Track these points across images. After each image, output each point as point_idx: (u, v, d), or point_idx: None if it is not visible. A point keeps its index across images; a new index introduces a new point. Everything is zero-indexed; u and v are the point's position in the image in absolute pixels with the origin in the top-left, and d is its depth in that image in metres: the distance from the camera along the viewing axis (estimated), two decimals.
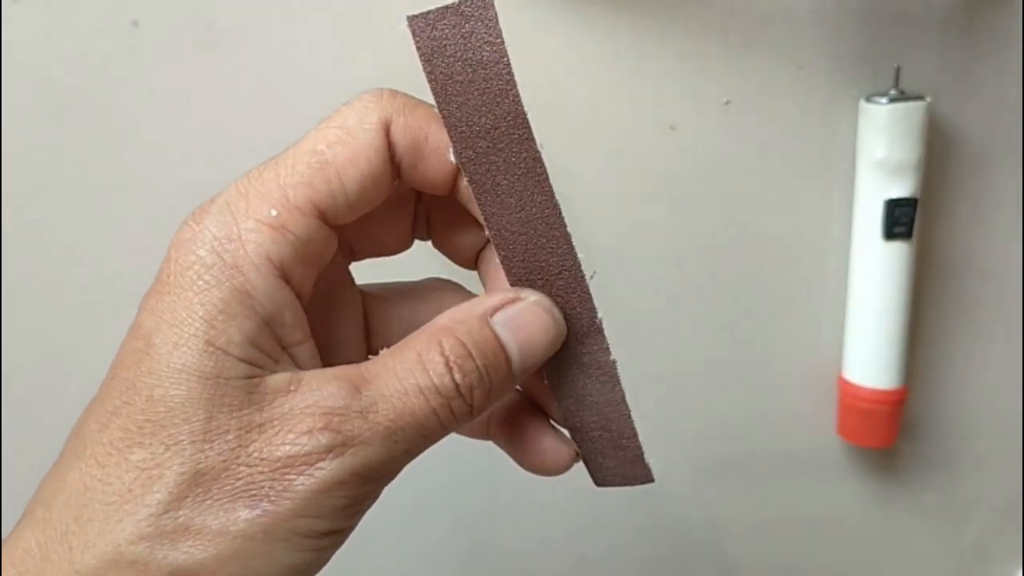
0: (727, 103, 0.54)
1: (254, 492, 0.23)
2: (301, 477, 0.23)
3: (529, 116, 0.25)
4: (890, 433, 0.59)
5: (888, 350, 0.57)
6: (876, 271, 0.55)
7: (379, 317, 0.30)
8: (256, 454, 0.23)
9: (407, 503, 0.58)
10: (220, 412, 0.23)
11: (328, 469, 0.23)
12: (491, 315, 0.26)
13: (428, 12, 0.24)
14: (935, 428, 0.63)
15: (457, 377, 0.24)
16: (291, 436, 0.23)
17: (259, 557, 0.23)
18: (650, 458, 0.29)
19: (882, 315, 0.56)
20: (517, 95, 0.25)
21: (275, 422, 0.23)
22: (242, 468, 0.23)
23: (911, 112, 0.53)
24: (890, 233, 0.54)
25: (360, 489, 0.24)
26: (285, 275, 0.25)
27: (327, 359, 0.27)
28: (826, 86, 0.54)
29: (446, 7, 0.24)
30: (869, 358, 0.57)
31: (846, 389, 0.58)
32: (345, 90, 0.49)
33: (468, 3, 0.24)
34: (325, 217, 0.25)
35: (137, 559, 0.22)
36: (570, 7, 0.50)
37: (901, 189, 0.54)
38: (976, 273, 0.60)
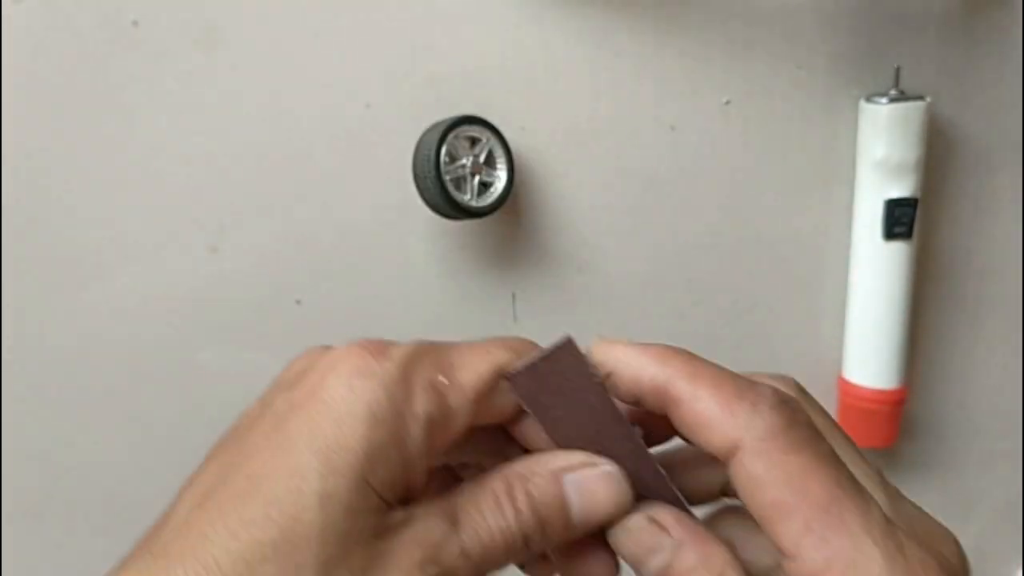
0: (727, 103, 0.54)
1: None
2: None
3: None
4: (890, 433, 0.59)
5: (888, 350, 0.57)
6: (876, 271, 0.56)
7: None
8: None
9: None
10: (354, 544, 0.25)
11: None
12: (565, 473, 0.28)
13: (524, 368, 0.27)
14: (935, 428, 0.63)
15: (521, 526, 0.27)
16: (404, 567, 0.26)
17: None
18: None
19: (882, 315, 0.56)
20: (613, 402, 0.28)
21: (390, 554, 0.26)
22: None
23: (911, 112, 0.52)
24: (890, 233, 0.54)
25: None
26: (434, 436, 0.26)
27: None
28: (826, 86, 0.54)
29: (536, 361, 0.27)
30: (869, 358, 0.57)
31: (846, 389, 0.58)
32: (346, 90, 0.49)
33: (555, 353, 0.27)
34: (478, 391, 0.27)
35: None
36: (570, 7, 0.50)
37: (901, 189, 0.54)
38: (976, 273, 0.60)
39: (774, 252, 0.57)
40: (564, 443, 0.28)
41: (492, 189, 0.50)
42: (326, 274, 0.52)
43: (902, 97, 0.53)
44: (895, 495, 0.28)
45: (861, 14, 0.53)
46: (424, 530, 0.26)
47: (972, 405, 0.63)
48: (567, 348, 0.27)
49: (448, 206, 0.48)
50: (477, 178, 0.49)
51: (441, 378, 0.26)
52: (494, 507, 0.27)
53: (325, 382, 0.25)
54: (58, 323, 0.50)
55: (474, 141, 0.49)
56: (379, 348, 0.26)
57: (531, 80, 0.51)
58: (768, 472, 0.25)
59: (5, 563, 0.51)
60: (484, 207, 0.49)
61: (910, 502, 0.28)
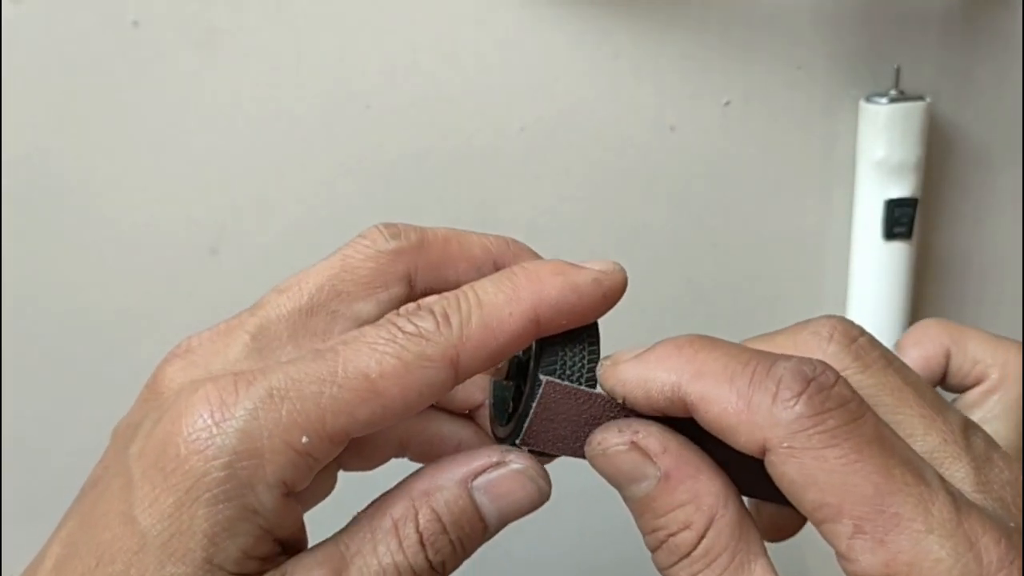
0: (727, 103, 0.54)
1: None
2: None
3: None
4: None
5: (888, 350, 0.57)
6: (876, 271, 0.56)
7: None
8: None
9: None
10: None
11: None
12: (472, 479, 0.25)
13: (524, 433, 0.25)
14: None
15: (431, 554, 0.24)
16: None
17: None
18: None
19: (882, 315, 0.56)
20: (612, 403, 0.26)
21: None
22: None
23: (911, 112, 0.53)
24: (890, 233, 0.54)
25: None
26: (294, 489, 0.23)
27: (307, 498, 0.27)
28: (826, 86, 0.54)
29: (531, 418, 0.25)
30: None
31: None
32: (346, 92, 0.49)
33: (541, 401, 0.25)
34: (354, 436, 0.24)
35: None
36: (570, 7, 0.50)
37: (901, 189, 0.54)
38: (976, 273, 0.60)
39: (774, 252, 0.57)
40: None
41: None
42: None
43: (902, 97, 0.53)
44: (983, 458, 0.23)
45: (861, 14, 0.53)
46: None
47: None
48: (549, 389, 0.25)
49: None
50: None
51: (304, 440, 0.23)
52: (392, 539, 0.24)
53: (174, 450, 0.23)
54: (58, 323, 0.50)
55: None
56: (226, 399, 0.23)
57: (531, 80, 0.51)
58: (802, 475, 0.21)
59: (5, 563, 0.51)
60: None
61: (1005, 457, 0.24)
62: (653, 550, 0.24)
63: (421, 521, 0.24)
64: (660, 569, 0.24)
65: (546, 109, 0.51)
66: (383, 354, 0.23)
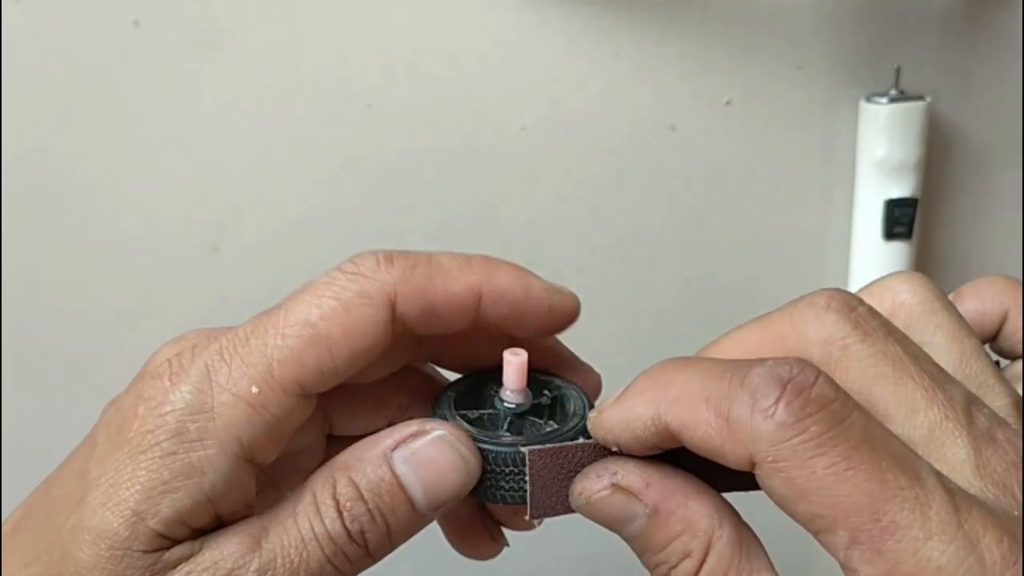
0: (727, 103, 0.54)
1: None
2: None
3: None
4: None
5: None
6: (876, 271, 0.56)
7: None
8: None
9: None
10: None
11: None
12: (392, 450, 0.24)
13: (533, 507, 0.25)
14: None
15: (347, 521, 0.23)
16: None
17: None
18: None
19: None
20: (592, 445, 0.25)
21: None
22: None
23: (911, 112, 0.53)
24: (890, 233, 0.54)
25: None
26: (250, 453, 0.23)
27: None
28: (826, 86, 0.54)
29: (531, 496, 0.25)
30: None
31: None
32: (346, 91, 0.49)
33: (532, 474, 0.24)
34: (308, 391, 0.24)
35: None
36: (570, 7, 0.50)
37: (901, 189, 0.54)
38: (976, 273, 0.60)
39: (774, 252, 0.57)
40: None
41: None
42: None
43: (902, 97, 0.53)
44: (986, 436, 0.22)
45: (861, 14, 0.53)
46: (210, 561, 0.23)
47: None
48: (534, 458, 0.24)
49: None
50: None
51: (254, 390, 0.23)
52: (311, 510, 0.23)
53: (133, 411, 0.23)
54: (59, 322, 0.50)
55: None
56: (184, 362, 0.23)
57: (531, 80, 0.51)
58: (791, 488, 0.20)
59: None
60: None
61: (1012, 436, 0.22)
62: None
63: (338, 488, 0.24)
64: None
65: (546, 109, 0.51)
66: (323, 297, 0.24)
